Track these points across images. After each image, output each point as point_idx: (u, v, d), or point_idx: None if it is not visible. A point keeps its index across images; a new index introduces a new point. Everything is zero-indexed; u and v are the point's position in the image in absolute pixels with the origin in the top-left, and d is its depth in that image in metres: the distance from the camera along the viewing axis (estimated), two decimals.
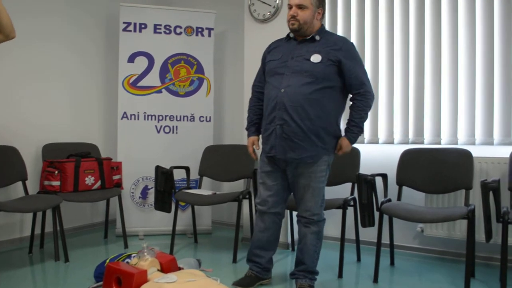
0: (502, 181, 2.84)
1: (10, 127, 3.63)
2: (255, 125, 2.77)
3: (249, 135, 2.79)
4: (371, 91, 2.53)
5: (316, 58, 2.44)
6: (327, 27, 3.91)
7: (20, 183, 3.43)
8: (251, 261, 2.81)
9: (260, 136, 2.73)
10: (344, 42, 2.53)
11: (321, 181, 2.55)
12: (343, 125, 2.63)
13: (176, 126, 4.13)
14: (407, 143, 3.50)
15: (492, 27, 3.21)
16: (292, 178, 2.58)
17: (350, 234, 3.39)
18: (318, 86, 2.44)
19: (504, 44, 3.18)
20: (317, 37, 2.51)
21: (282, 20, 3.62)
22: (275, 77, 2.53)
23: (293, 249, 3.60)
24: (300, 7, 2.46)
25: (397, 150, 3.34)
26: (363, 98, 2.50)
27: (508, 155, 2.97)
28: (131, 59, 4.04)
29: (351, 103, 2.59)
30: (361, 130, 2.55)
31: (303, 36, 2.53)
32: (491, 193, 2.57)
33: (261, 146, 2.71)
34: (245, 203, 3.63)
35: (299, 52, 2.51)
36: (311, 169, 2.51)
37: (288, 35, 2.62)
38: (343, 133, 2.62)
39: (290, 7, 2.50)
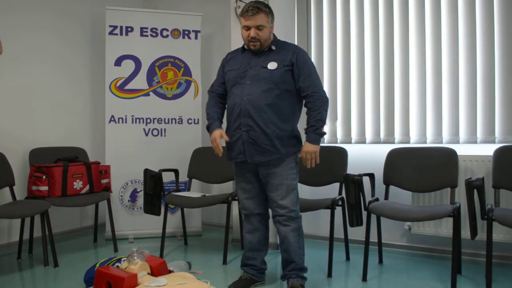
0: (486, 179, 2.89)
1: None
2: (219, 120, 2.77)
3: (214, 128, 2.70)
4: (323, 93, 2.59)
5: (272, 65, 2.56)
6: (313, 32, 3.97)
7: (7, 189, 3.41)
8: (245, 265, 2.83)
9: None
10: (296, 48, 2.67)
11: (293, 178, 2.60)
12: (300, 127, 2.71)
13: (164, 129, 4.14)
14: (393, 142, 3.55)
15: (474, 27, 3.26)
16: (264, 178, 2.63)
17: (338, 233, 3.42)
18: (277, 91, 2.54)
19: (485, 44, 3.23)
20: (273, 47, 2.64)
21: None
22: (236, 87, 2.63)
23: None
24: (259, 28, 2.55)
25: (384, 150, 3.38)
26: (313, 100, 2.55)
27: (491, 153, 3.02)
28: (118, 62, 4.04)
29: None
30: (317, 129, 2.55)
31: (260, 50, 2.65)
32: (475, 191, 2.62)
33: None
34: (235, 205, 3.64)
35: (257, 61, 2.61)
36: (281, 168, 2.57)
37: (243, 47, 2.72)
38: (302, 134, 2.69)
39: (247, 28, 2.56)
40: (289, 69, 2.56)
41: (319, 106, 2.55)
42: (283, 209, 2.58)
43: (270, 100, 2.52)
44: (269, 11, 2.60)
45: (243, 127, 2.56)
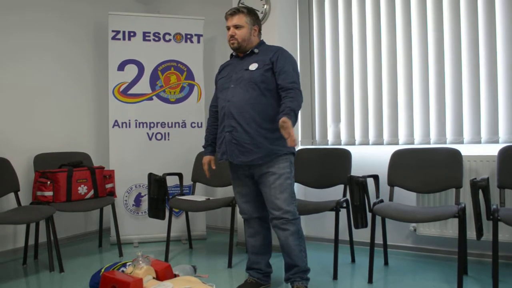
0: (491, 179, 2.87)
1: (1, 138, 3.62)
2: (211, 145, 2.90)
3: (205, 154, 2.92)
4: (299, 87, 2.58)
5: (253, 66, 2.62)
6: (316, 32, 3.97)
7: (12, 195, 3.42)
8: (251, 269, 2.83)
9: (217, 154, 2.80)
10: (279, 48, 2.69)
11: (286, 177, 2.59)
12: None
13: (168, 133, 4.14)
14: (397, 143, 3.54)
15: (477, 27, 3.26)
16: (258, 179, 2.64)
17: (343, 235, 3.41)
18: (258, 91, 2.58)
19: (488, 43, 3.22)
20: (256, 50, 2.69)
21: (270, 26, 3.67)
22: (223, 92, 2.70)
23: None
24: (237, 27, 2.64)
25: (388, 151, 3.37)
26: (295, 94, 2.52)
27: (496, 153, 3.01)
28: (121, 67, 4.05)
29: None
30: (295, 117, 2.47)
31: (243, 52, 2.70)
32: (480, 191, 2.61)
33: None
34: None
35: (241, 65, 2.68)
36: (275, 168, 2.57)
37: (231, 54, 2.80)
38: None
39: (228, 28, 2.67)
40: (269, 67, 2.59)
41: (295, 96, 2.50)
42: (277, 210, 2.57)
43: (251, 100, 2.56)
44: (248, 13, 2.67)
45: (227, 128, 2.60)
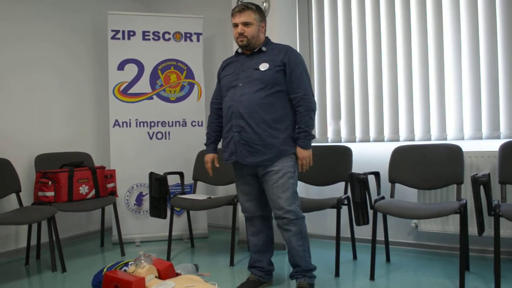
0: (492, 175, 2.88)
1: (2, 139, 3.63)
2: (214, 143, 2.89)
3: (207, 152, 2.90)
4: (311, 95, 2.60)
5: (264, 66, 2.58)
6: (315, 31, 3.96)
7: (14, 195, 3.42)
8: (253, 267, 2.83)
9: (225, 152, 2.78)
10: (289, 48, 2.67)
11: (290, 176, 2.57)
12: None
13: (169, 132, 4.14)
14: (397, 140, 3.54)
15: (477, 23, 3.25)
16: (261, 178, 2.63)
17: (345, 232, 3.41)
18: (269, 91, 2.55)
19: (489, 39, 3.22)
20: (264, 48, 2.66)
21: (270, 23, 3.64)
22: (230, 90, 2.66)
23: None
24: (246, 24, 2.59)
25: (388, 148, 3.37)
26: (303, 103, 2.56)
27: (497, 149, 3.00)
28: (121, 66, 4.05)
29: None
30: (308, 135, 2.57)
31: (251, 50, 2.67)
32: (482, 187, 2.60)
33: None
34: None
35: (249, 64, 2.64)
36: (278, 167, 2.56)
37: (236, 51, 2.76)
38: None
39: (235, 25, 2.62)
40: (281, 69, 2.56)
41: (308, 110, 2.56)
42: (279, 210, 2.56)
43: (261, 101, 2.53)
44: (256, 10, 2.63)
45: (235, 128, 2.58)
